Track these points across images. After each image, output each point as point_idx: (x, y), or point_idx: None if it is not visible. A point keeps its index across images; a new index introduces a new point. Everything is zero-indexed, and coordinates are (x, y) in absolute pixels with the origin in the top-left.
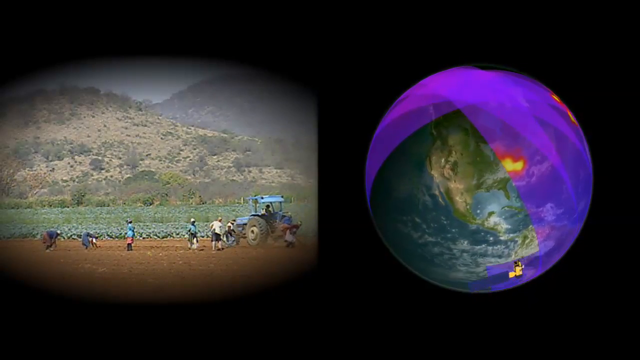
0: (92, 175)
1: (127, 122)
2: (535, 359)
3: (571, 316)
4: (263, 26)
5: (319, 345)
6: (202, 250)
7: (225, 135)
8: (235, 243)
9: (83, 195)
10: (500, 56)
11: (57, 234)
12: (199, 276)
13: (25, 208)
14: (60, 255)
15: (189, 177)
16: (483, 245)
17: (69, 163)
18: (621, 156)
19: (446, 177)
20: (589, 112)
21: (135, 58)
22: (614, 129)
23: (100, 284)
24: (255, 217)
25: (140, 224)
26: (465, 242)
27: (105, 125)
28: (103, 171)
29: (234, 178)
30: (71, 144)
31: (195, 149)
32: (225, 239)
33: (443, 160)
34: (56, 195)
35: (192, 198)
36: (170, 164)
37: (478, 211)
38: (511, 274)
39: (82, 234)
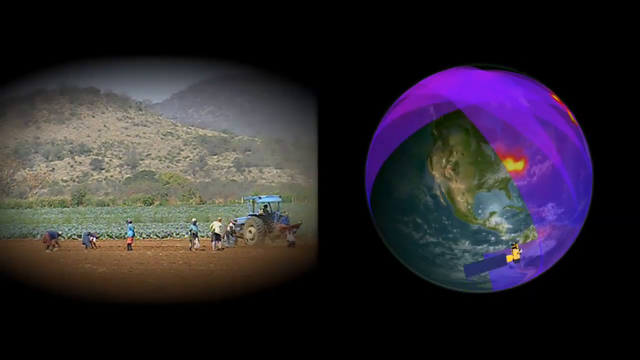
0: (92, 175)
1: (127, 122)
2: (536, 359)
3: (572, 315)
4: (263, 26)
5: (319, 345)
6: (203, 250)
7: (225, 135)
8: (235, 243)
9: (83, 195)
10: (500, 56)
11: (59, 235)
12: (199, 276)
13: (25, 208)
14: (60, 255)
15: (189, 177)
16: (484, 245)
17: (69, 163)
18: (621, 156)
19: (447, 177)
20: (589, 112)
21: (135, 58)
22: (613, 129)
23: (100, 284)
24: (253, 217)
25: (140, 224)
26: (467, 242)
27: (105, 125)
28: (103, 171)
29: (234, 178)
30: (71, 144)
31: (195, 149)
32: (226, 238)
33: (444, 160)
34: (56, 195)
35: (192, 198)
36: (170, 164)
37: (479, 211)
38: (509, 257)
39: (82, 234)
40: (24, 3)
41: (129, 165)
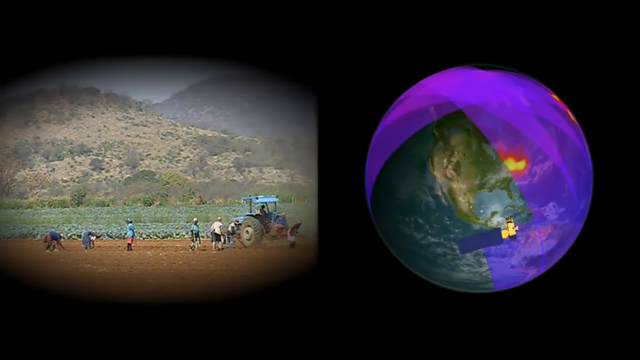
0: (92, 175)
1: (127, 122)
2: (537, 359)
3: (573, 315)
4: (263, 26)
5: (319, 345)
6: (203, 250)
7: (225, 135)
8: (234, 244)
9: (83, 196)
10: (500, 56)
11: (60, 237)
12: (199, 276)
13: (25, 208)
14: (60, 255)
15: (189, 177)
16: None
17: (69, 163)
18: (621, 156)
19: (449, 177)
20: (589, 112)
21: (135, 58)
22: (613, 129)
23: (100, 284)
24: (250, 217)
25: (140, 224)
26: None
27: (105, 125)
28: (103, 171)
29: (234, 178)
30: (71, 144)
31: (195, 149)
32: (226, 239)
33: (445, 160)
34: (56, 195)
35: (192, 198)
36: (170, 164)
37: (481, 211)
38: (504, 233)
39: (82, 233)
40: (24, 3)
41: (129, 165)
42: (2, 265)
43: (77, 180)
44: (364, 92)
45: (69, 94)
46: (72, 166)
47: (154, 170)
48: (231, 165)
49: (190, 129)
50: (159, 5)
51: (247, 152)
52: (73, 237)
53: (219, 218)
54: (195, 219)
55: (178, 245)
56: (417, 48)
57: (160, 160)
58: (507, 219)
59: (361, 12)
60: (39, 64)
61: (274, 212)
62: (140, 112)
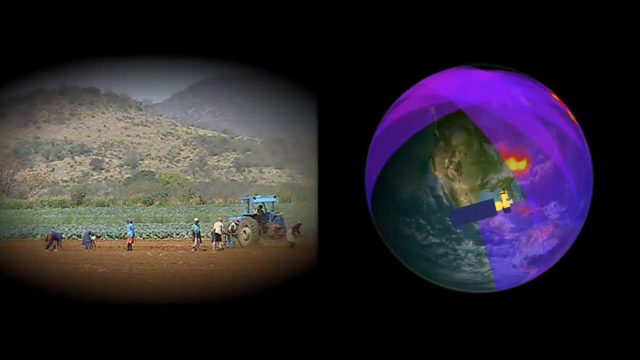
0: (92, 175)
1: (127, 122)
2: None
3: (573, 314)
4: (263, 26)
5: (319, 345)
6: (204, 250)
7: (225, 135)
8: (234, 244)
9: (83, 195)
10: (500, 56)
11: (62, 237)
12: (199, 276)
13: (26, 208)
14: (60, 255)
15: (189, 177)
16: (488, 245)
17: (69, 163)
18: (621, 155)
19: (450, 177)
20: (589, 112)
21: (135, 58)
22: (613, 129)
23: (100, 284)
24: (247, 217)
25: (140, 224)
26: (470, 242)
27: (105, 125)
28: (103, 171)
29: (234, 178)
30: (71, 144)
31: (195, 149)
32: (227, 239)
33: (447, 160)
34: (56, 195)
35: (192, 198)
36: (170, 164)
37: None
38: (498, 205)
39: (83, 234)
40: (24, 3)
41: (128, 165)
42: (2, 265)
43: (77, 180)
44: (364, 92)
45: (69, 94)
46: (72, 166)
47: (154, 170)
48: (231, 165)
49: (190, 129)
50: (159, 5)
51: (247, 152)
52: (73, 237)
53: (220, 218)
54: (196, 219)
55: (178, 245)
56: (417, 48)
57: (160, 160)
58: (500, 191)
59: (361, 13)
60: (39, 64)
61: (272, 212)
62: (140, 112)
